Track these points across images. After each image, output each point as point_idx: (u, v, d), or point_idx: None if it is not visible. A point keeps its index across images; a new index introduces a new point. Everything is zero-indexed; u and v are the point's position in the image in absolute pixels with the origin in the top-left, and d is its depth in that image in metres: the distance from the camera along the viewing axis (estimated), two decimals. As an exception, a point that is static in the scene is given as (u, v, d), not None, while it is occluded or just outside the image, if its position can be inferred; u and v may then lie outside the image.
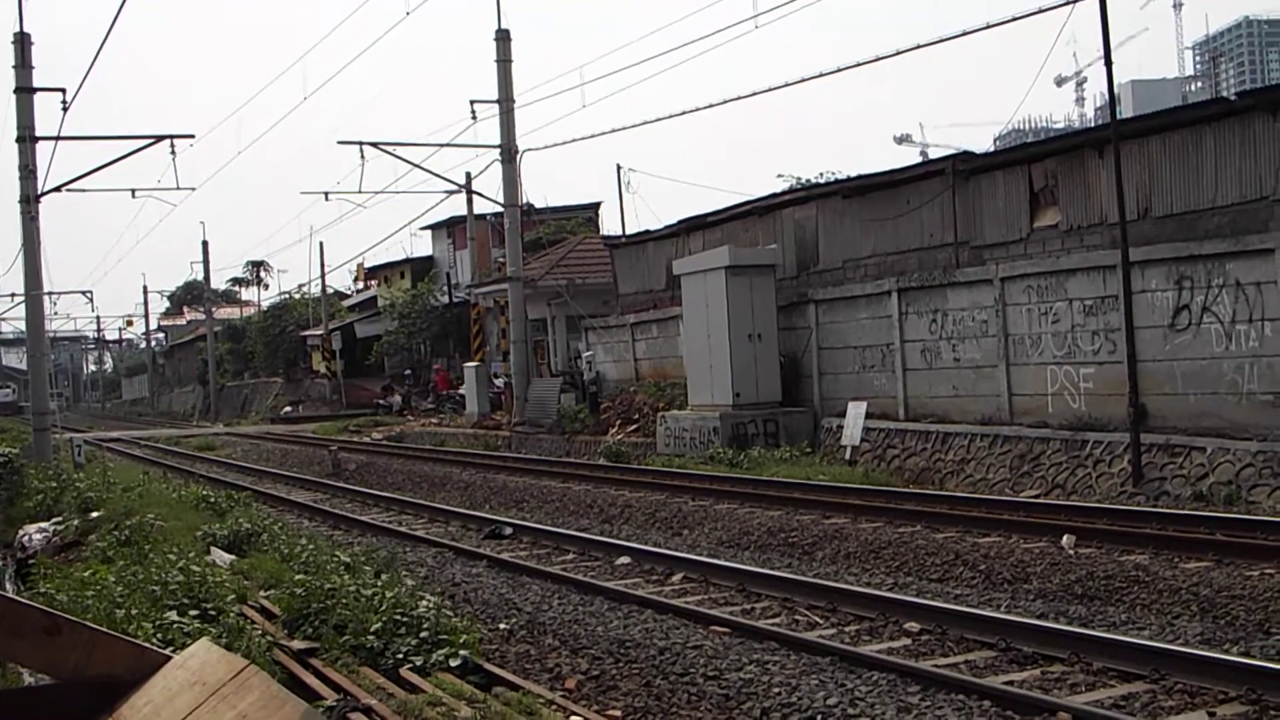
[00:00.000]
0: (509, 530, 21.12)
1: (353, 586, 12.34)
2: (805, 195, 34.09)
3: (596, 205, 69.66)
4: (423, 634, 10.97)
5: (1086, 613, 12.94)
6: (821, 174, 55.58)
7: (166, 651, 3.84)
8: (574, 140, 63.78)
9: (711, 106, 52.43)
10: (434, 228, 73.94)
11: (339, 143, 41.99)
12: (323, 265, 78.34)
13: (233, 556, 16.66)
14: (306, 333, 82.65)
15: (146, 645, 3.90)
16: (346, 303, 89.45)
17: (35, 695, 3.90)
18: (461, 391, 52.57)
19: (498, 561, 17.95)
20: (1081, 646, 10.86)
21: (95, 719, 3.64)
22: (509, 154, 41.78)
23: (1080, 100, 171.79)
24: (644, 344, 38.65)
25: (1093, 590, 13.73)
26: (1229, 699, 9.54)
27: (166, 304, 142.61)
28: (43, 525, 22.66)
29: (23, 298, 38.49)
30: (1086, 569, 14.35)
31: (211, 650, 3.66)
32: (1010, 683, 10.22)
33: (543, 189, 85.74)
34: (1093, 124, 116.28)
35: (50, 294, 56.92)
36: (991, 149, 39.36)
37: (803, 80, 33.98)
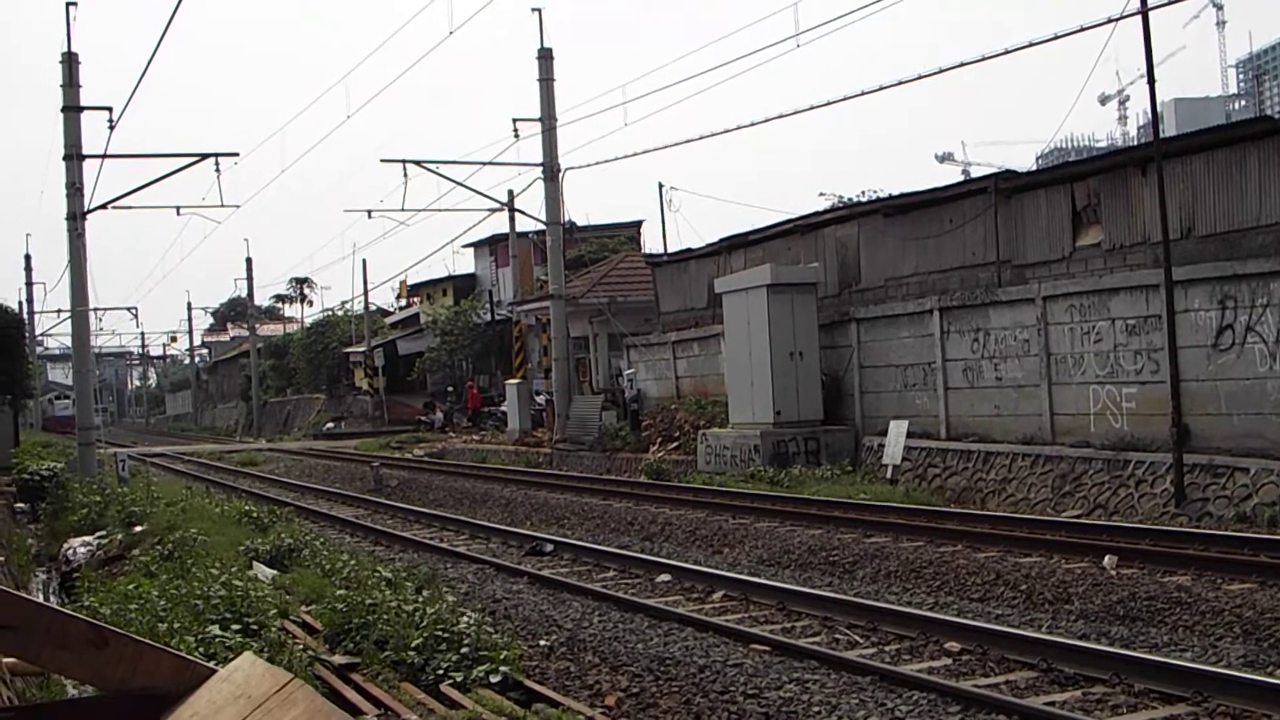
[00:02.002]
0: (550, 547, 21.15)
1: (394, 602, 12.39)
2: (847, 214, 34.06)
3: (638, 223, 69.78)
4: (463, 650, 11.01)
5: (1128, 634, 12.87)
6: (863, 192, 55.56)
7: (211, 665, 3.87)
8: (616, 159, 63.98)
9: (754, 125, 52.47)
10: (476, 245, 74.15)
11: (382, 161, 42.36)
12: (365, 282, 78.82)
13: (274, 571, 16.74)
14: (349, 349, 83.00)
15: (191, 658, 3.94)
16: (389, 320, 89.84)
17: (81, 707, 3.94)
18: (503, 409, 52.67)
19: (538, 578, 17.97)
20: (1123, 668, 10.80)
21: (141, 731, 3.68)
22: (551, 172, 41.90)
23: (1123, 118, 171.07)
24: (685, 362, 38.65)
25: (1135, 611, 13.66)
26: (1272, 721, 9.49)
27: (210, 320, 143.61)
28: (87, 539, 22.86)
29: (69, 314, 38.74)
30: (1128, 590, 14.28)
31: (256, 664, 3.69)
32: (1051, 704, 10.17)
33: (585, 207, 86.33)
34: (1135, 142, 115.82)
35: (96, 310, 57.40)
36: (1034, 168, 39.25)
37: (845, 98, 33.84)
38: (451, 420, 62.46)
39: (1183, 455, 20.42)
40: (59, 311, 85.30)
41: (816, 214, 35.32)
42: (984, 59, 27.54)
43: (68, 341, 59.76)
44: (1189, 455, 20.49)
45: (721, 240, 38.39)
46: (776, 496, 24.69)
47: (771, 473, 27.57)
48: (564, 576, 18.09)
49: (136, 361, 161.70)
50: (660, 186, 53.90)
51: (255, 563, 17.24)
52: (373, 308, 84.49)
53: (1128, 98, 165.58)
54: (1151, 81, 21.08)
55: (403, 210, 45.23)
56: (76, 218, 34.45)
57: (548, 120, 41.55)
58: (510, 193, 50.95)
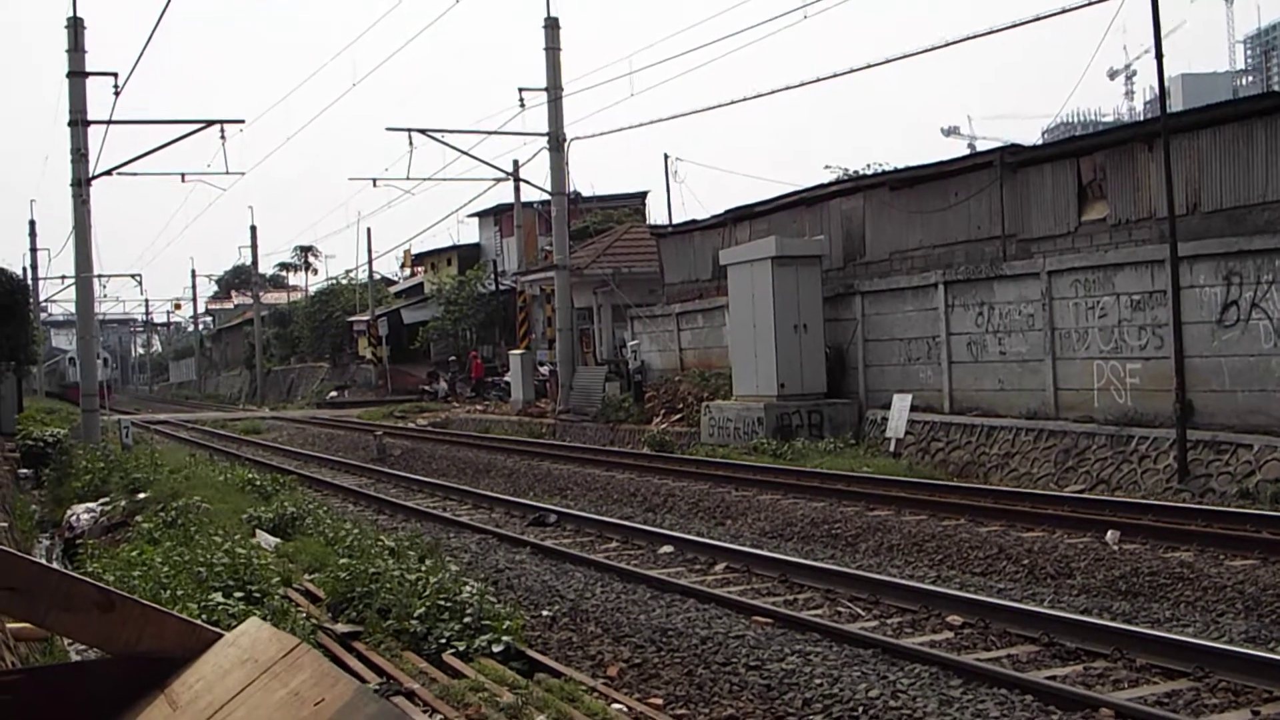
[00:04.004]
0: (553, 518, 21.18)
1: (397, 571, 12.40)
2: (852, 186, 33.99)
3: (643, 194, 69.62)
4: (466, 619, 11.02)
5: (1130, 609, 12.88)
6: (869, 165, 55.40)
7: (217, 629, 3.88)
8: (622, 129, 63.95)
9: (759, 96, 52.43)
10: (481, 215, 74.05)
11: (387, 129, 42.25)
12: (370, 251, 78.79)
13: (278, 540, 16.77)
14: (353, 318, 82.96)
15: (198, 623, 3.95)
16: (393, 289, 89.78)
17: (88, 669, 3.95)
18: (506, 380, 52.70)
19: (541, 548, 17.99)
20: (1125, 643, 10.82)
21: (147, 694, 3.68)
22: (557, 142, 41.85)
23: (1129, 93, 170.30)
24: (689, 333, 38.64)
25: (1137, 586, 13.67)
26: (1274, 698, 9.48)
27: (214, 288, 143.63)
28: (90, 506, 22.91)
29: (73, 280, 38.79)
30: (1131, 565, 14.29)
31: (262, 628, 3.69)
32: (1053, 678, 10.19)
33: (590, 177, 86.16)
34: (1142, 117, 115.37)
35: (100, 277, 57.27)
36: (1040, 142, 39.15)
37: (850, 71, 34.07)
38: (455, 390, 62.48)
39: (1186, 431, 20.42)
40: (63, 278, 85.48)
41: (822, 186, 35.24)
42: (990, 32, 27.51)
43: (72, 308, 59.85)
44: (1192, 431, 20.49)
45: (727, 212, 38.33)
46: (779, 469, 24.70)
47: (774, 445, 27.57)
48: (567, 547, 18.12)
49: (140, 329, 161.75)
50: (666, 157, 53.97)
51: (258, 531, 17.28)
52: (377, 277, 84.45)
53: (1134, 73, 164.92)
54: (1159, 56, 21.03)
55: (408, 179, 44.98)
56: (81, 184, 34.44)
57: (553, 90, 41.49)
58: (515, 162, 50.87)
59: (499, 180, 49.56)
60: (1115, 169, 24.33)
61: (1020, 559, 15.36)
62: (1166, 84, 22.27)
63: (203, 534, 15.25)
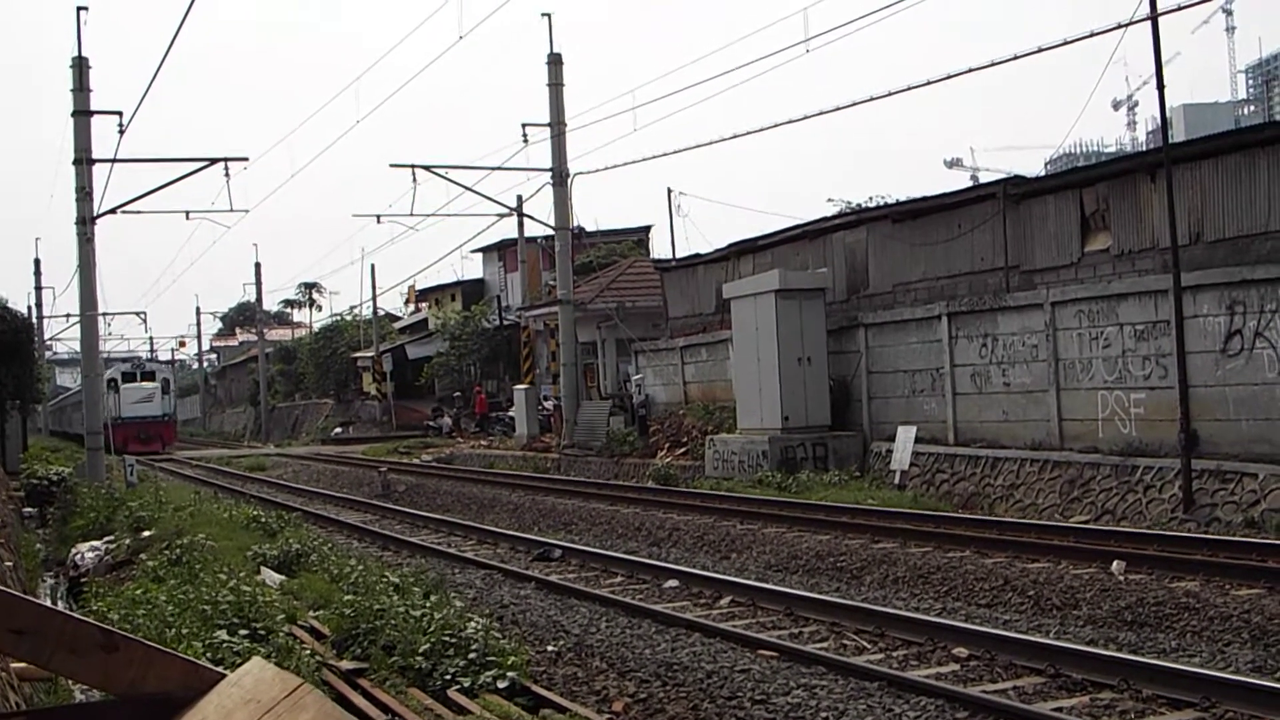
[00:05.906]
0: (558, 552, 21.15)
1: (401, 607, 12.40)
2: (855, 219, 34.06)
3: (647, 228, 69.76)
4: (471, 655, 11.02)
5: (1136, 639, 12.86)
6: (871, 198, 55.47)
7: (220, 670, 3.88)
8: (625, 164, 63.77)
9: (763, 130, 52.35)
10: (485, 251, 74.20)
11: (391, 165, 42.35)
12: (374, 287, 78.71)
13: (282, 577, 16.77)
14: (357, 354, 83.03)
15: (201, 663, 3.95)
16: (398, 325, 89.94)
17: (92, 711, 3.95)
18: (511, 415, 52.68)
19: (546, 583, 17.98)
20: (1131, 673, 10.80)
21: (151, 735, 3.69)
22: (560, 177, 41.95)
23: (1132, 124, 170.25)
24: (693, 367, 38.65)
25: (1143, 617, 13.65)
26: (1280, 728, 9.47)
27: (219, 325, 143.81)
28: (95, 544, 22.88)
29: (78, 318, 38.81)
30: (1136, 595, 14.27)
31: (266, 668, 3.69)
32: (1059, 709, 10.17)
33: (593, 212, 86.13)
34: (1144, 148, 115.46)
35: (105, 314, 57.43)
36: (1042, 173, 39.19)
37: (853, 104, 34.11)
38: (459, 425, 62.44)
39: (1191, 461, 20.40)
40: (68, 316, 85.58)
41: (825, 219, 35.33)
42: (993, 64, 27.47)
43: (76, 346, 59.89)
44: (1197, 461, 20.47)
45: (730, 245, 38.40)
46: (784, 502, 24.68)
47: (779, 478, 27.55)
48: (571, 582, 18.10)
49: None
50: (669, 191, 53.94)
51: (263, 568, 17.28)
52: (381, 313, 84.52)
53: (1137, 103, 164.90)
54: (1161, 87, 21.07)
55: (411, 215, 45.02)
56: (86, 222, 34.53)
57: (557, 125, 41.61)
58: (519, 198, 50.98)
59: (503, 216, 49.67)
60: (1118, 199, 24.38)
61: (1026, 590, 15.33)
62: (1168, 114, 22.31)
63: (207, 571, 15.26)
